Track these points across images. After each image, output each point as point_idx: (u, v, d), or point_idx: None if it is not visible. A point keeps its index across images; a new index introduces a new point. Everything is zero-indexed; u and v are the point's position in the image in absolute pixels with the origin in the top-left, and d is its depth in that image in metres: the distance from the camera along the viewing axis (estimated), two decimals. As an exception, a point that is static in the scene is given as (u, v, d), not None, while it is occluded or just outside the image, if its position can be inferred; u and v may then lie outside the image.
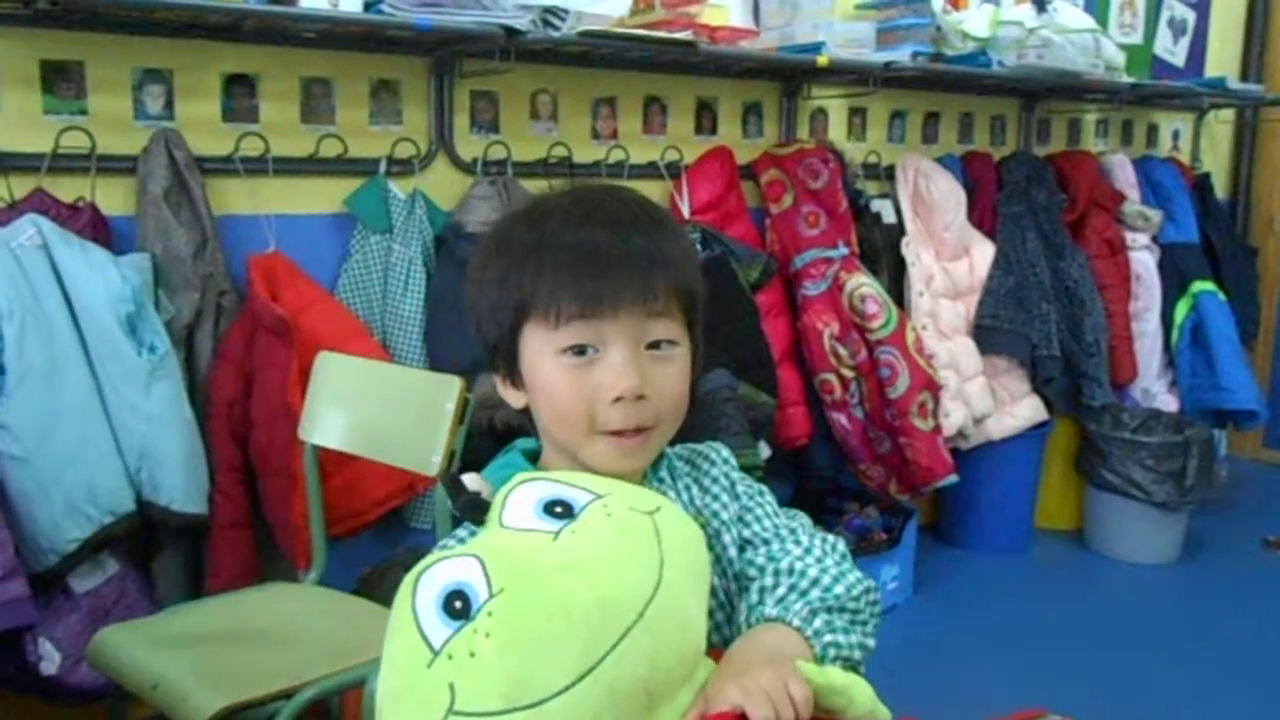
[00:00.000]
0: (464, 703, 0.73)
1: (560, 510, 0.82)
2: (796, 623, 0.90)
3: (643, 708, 0.78)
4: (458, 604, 0.76)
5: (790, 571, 0.96)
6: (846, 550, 1.01)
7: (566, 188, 1.01)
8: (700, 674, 0.83)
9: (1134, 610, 3.07)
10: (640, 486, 0.90)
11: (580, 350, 0.91)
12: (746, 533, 1.02)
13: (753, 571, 0.99)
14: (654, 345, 0.93)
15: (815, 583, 0.94)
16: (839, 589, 0.94)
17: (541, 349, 0.93)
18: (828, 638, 0.90)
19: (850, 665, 0.91)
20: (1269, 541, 3.51)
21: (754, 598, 0.95)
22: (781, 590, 0.94)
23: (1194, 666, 2.66)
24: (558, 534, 0.80)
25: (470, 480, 0.88)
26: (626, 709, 0.76)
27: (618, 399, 0.91)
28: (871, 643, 0.94)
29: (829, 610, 0.92)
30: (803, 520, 1.05)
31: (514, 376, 0.97)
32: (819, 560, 0.97)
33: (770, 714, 0.78)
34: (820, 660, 0.89)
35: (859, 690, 0.84)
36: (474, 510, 0.86)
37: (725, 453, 1.07)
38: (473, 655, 0.74)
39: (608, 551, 0.80)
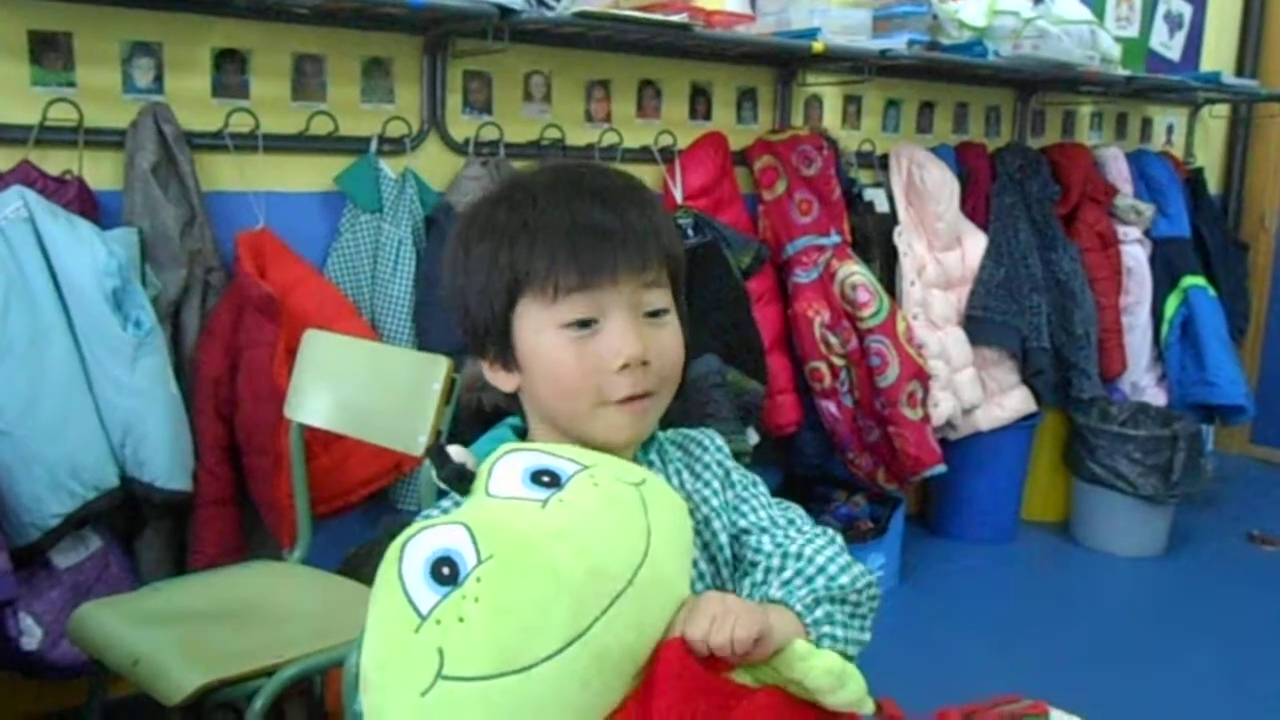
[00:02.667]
0: (453, 667, 0.73)
1: (548, 480, 0.82)
2: (799, 608, 0.90)
3: (629, 673, 0.78)
4: (445, 570, 0.76)
5: (799, 556, 0.96)
6: (843, 543, 1.02)
7: (539, 167, 1.01)
8: None
9: (1118, 602, 3.08)
10: (624, 460, 0.90)
11: (583, 324, 0.92)
12: (743, 522, 1.02)
13: (758, 557, 0.99)
14: (651, 314, 0.94)
15: (822, 570, 0.94)
16: (844, 579, 0.94)
17: (540, 326, 0.92)
18: (825, 629, 0.90)
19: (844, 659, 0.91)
20: (1253, 536, 3.53)
21: (759, 577, 0.96)
22: (788, 573, 0.94)
23: (1177, 658, 2.68)
24: (546, 502, 0.81)
25: (456, 452, 0.88)
26: (613, 674, 0.77)
27: (624, 366, 0.91)
28: (867, 637, 0.95)
29: (832, 600, 0.92)
30: (798, 512, 1.05)
31: (506, 358, 0.96)
32: (824, 548, 0.97)
33: (704, 632, 0.80)
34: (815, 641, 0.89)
35: (852, 678, 0.84)
36: (459, 480, 0.86)
37: (719, 440, 1.07)
38: (462, 620, 0.74)
39: (596, 520, 0.80)
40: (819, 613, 0.91)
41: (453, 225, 2.32)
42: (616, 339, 0.92)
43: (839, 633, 0.91)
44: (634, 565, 0.78)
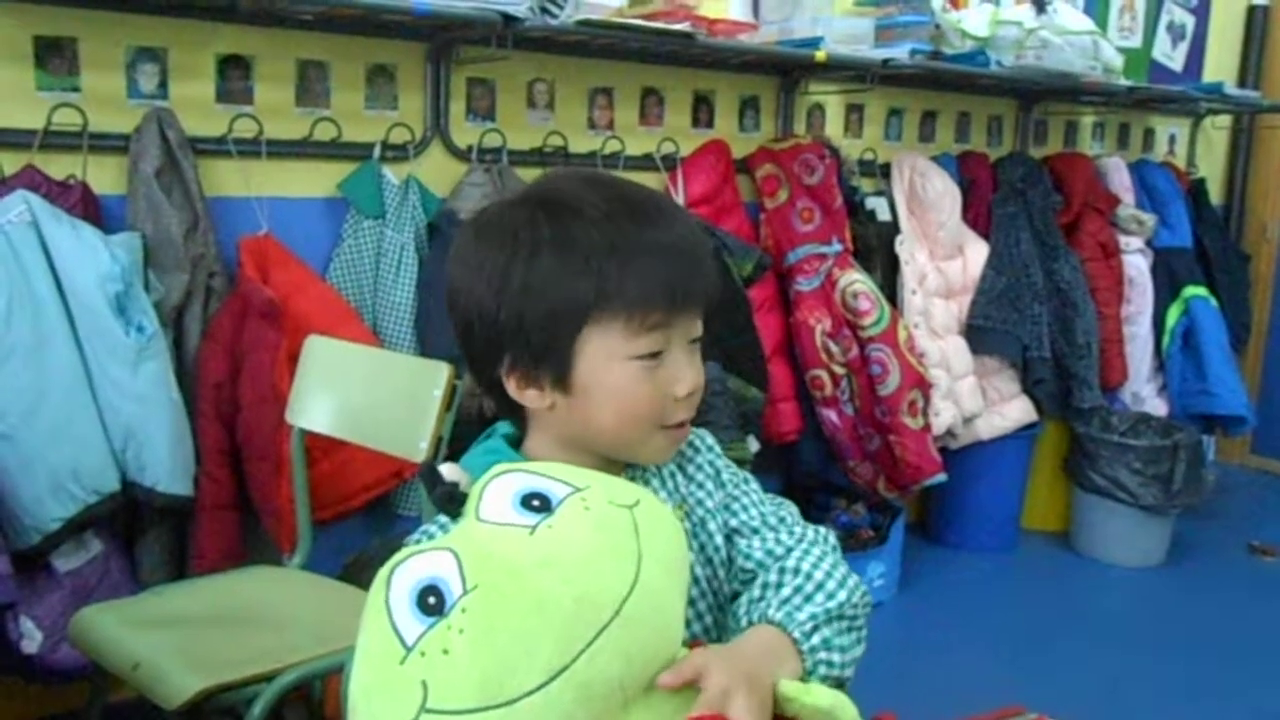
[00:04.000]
0: (437, 700, 0.72)
1: (538, 503, 0.81)
2: (796, 634, 0.90)
3: (617, 705, 0.77)
4: (431, 600, 0.75)
5: (796, 571, 0.96)
6: (836, 541, 1.02)
7: (586, 178, 0.96)
8: None
9: (1118, 612, 3.08)
10: (619, 478, 0.89)
11: (655, 354, 0.92)
12: (734, 521, 1.02)
13: (750, 564, 0.99)
14: (693, 341, 0.96)
15: (820, 586, 0.94)
16: (842, 595, 0.94)
17: (612, 354, 0.91)
18: (822, 655, 0.90)
19: (839, 682, 0.91)
20: (1254, 547, 3.52)
21: (756, 593, 0.96)
22: (787, 591, 0.94)
23: (1177, 669, 2.67)
24: (534, 528, 0.79)
25: (448, 470, 0.87)
26: (600, 706, 0.76)
27: (687, 395, 0.94)
28: (861, 649, 0.95)
29: (829, 621, 0.92)
30: (790, 509, 1.05)
31: (555, 380, 0.93)
32: (820, 559, 0.97)
33: None
34: (809, 674, 0.89)
35: (843, 711, 0.84)
36: (450, 502, 0.84)
37: (710, 440, 1.07)
38: (446, 653, 0.73)
39: (585, 547, 0.78)
40: (816, 639, 0.90)
41: (455, 232, 2.34)
42: (681, 369, 0.94)
43: (835, 658, 0.91)
44: (622, 594, 0.77)
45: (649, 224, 0.91)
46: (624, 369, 0.91)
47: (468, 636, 0.73)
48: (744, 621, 0.94)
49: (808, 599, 0.93)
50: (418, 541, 0.91)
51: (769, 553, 0.99)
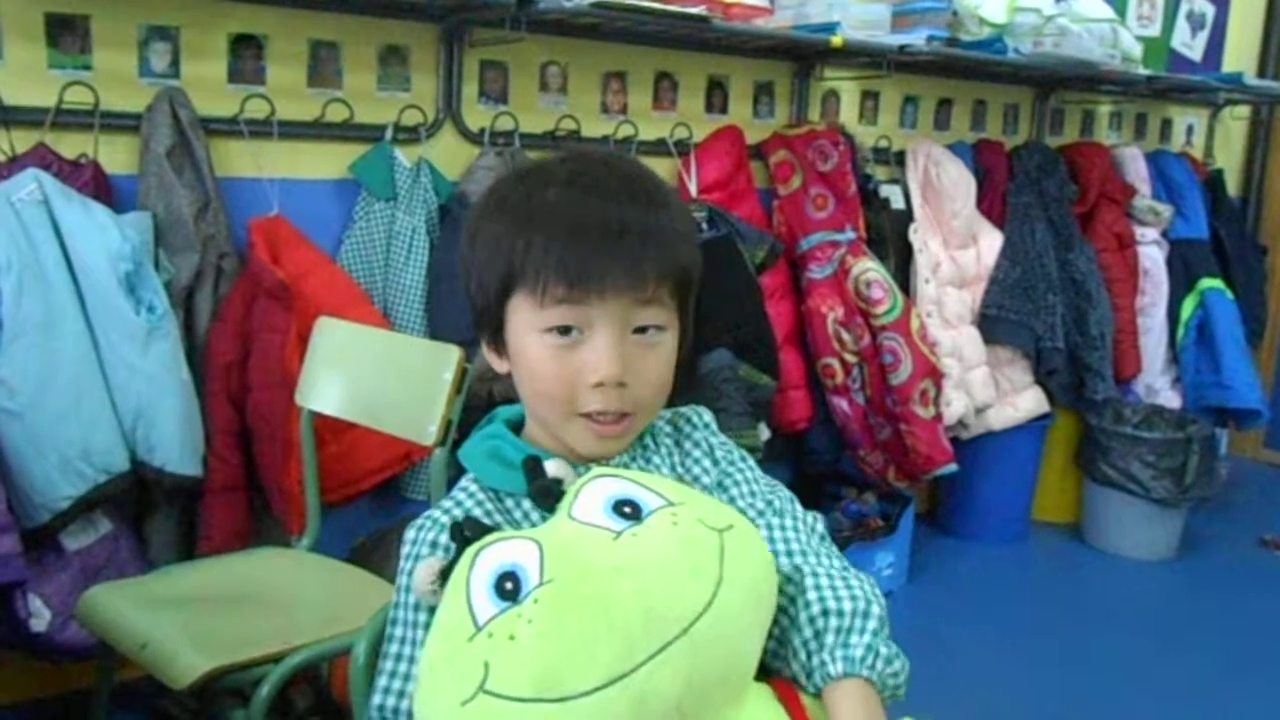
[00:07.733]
0: (495, 683, 0.73)
1: (629, 510, 0.81)
2: (865, 674, 0.86)
3: None
4: (509, 585, 0.76)
5: (826, 612, 0.89)
6: (823, 528, 0.99)
7: (569, 154, 0.98)
8: (750, 701, 0.81)
9: (1129, 605, 3.06)
10: (717, 500, 0.88)
11: (565, 331, 0.90)
12: (724, 497, 0.99)
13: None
14: (641, 330, 0.91)
15: (854, 612, 0.89)
16: (875, 608, 0.90)
17: (528, 325, 0.91)
18: (886, 670, 0.87)
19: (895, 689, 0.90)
20: (1266, 541, 3.50)
21: (801, 655, 0.89)
22: (830, 637, 0.88)
23: (1187, 662, 2.66)
24: (619, 534, 0.80)
25: (554, 467, 0.87)
26: None
27: (598, 384, 0.90)
28: (897, 651, 0.91)
29: (875, 636, 0.88)
30: (781, 493, 1.01)
31: (499, 344, 0.96)
32: (830, 572, 0.92)
33: None
34: (881, 691, 0.87)
35: None
36: (546, 497, 0.85)
37: (707, 417, 1.05)
38: (512, 639, 0.74)
39: (665, 561, 0.78)
40: (879, 664, 0.87)
41: (467, 214, 2.33)
42: (594, 355, 0.90)
43: (897, 666, 0.88)
44: (694, 614, 0.76)
45: (588, 197, 0.89)
46: (538, 342, 0.91)
47: (535, 627, 0.74)
48: (801, 676, 0.88)
49: (849, 632, 0.88)
50: (429, 518, 0.93)
51: (791, 598, 0.92)
